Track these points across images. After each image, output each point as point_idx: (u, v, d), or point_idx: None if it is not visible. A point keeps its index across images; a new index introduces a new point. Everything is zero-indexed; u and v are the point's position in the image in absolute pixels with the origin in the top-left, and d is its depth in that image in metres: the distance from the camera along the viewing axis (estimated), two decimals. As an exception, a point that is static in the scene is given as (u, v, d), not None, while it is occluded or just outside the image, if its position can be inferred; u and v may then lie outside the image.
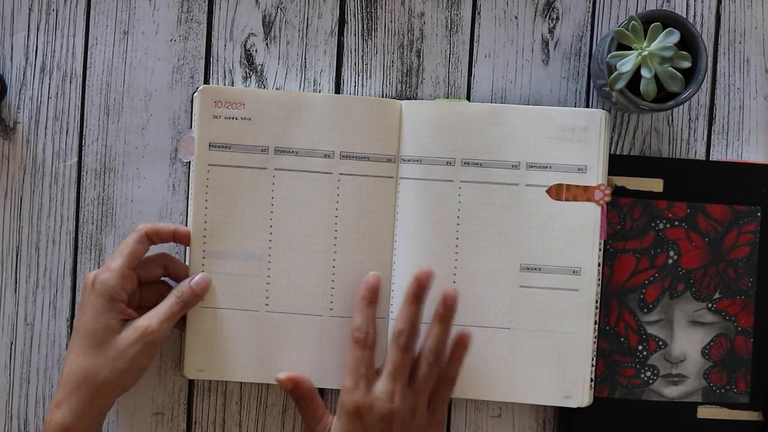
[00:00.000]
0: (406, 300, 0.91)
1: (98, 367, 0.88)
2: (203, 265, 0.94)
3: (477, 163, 0.95)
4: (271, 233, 0.95)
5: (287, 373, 0.93)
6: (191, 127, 0.97)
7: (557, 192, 0.94)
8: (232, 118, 0.95)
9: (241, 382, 0.97)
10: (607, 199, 0.93)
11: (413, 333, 0.91)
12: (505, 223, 0.94)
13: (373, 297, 0.92)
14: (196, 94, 0.95)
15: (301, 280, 0.95)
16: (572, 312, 0.94)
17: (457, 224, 0.94)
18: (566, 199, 0.94)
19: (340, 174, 0.95)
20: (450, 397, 0.93)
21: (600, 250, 0.94)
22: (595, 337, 0.94)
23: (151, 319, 0.89)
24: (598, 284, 0.94)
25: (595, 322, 0.94)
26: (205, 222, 0.94)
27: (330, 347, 0.95)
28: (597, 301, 0.94)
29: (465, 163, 0.94)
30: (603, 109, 0.96)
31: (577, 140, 0.94)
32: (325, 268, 0.95)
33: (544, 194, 0.94)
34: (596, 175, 0.94)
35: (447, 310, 0.91)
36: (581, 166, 0.94)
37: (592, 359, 0.94)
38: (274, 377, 0.94)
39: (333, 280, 0.95)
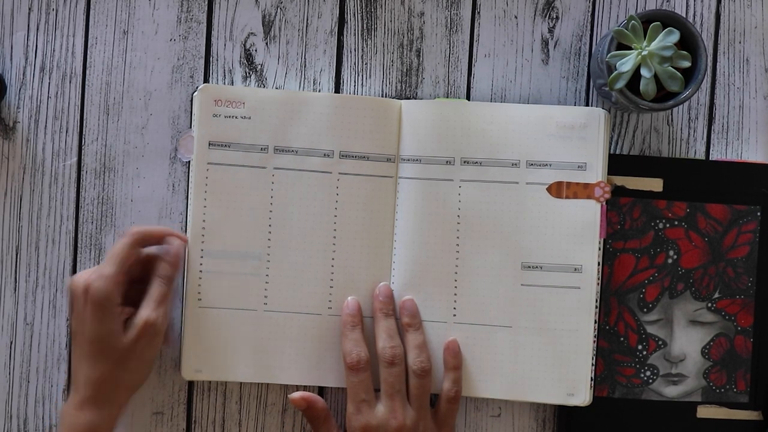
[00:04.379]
0: (376, 318, 0.93)
1: (112, 371, 0.89)
2: (201, 264, 0.94)
3: (477, 162, 0.95)
4: (270, 232, 0.95)
5: (301, 393, 0.93)
6: (191, 127, 0.97)
7: (557, 189, 0.94)
8: (232, 116, 0.95)
9: (241, 383, 0.97)
10: (607, 196, 0.93)
11: (394, 346, 0.92)
12: (505, 221, 0.94)
13: (356, 321, 0.93)
14: (195, 93, 0.95)
15: (300, 279, 0.95)
16: (574, 310, 0.94)
17: (458, 223, 0.95)
18: (566, 197, 0.94)
19: (340, 173, 0.95)
20: (456, 410, 0.94)
21: (599, 249, 0.94)
22: (595, 336, 0.94)
23: (145, 309, 0.89)
24: (598, 283, 0.94)
25: (595, 321, 0.94)
26: (204, 221, 0.94)
27: (329, 346, 0.95)
28: (597, 300, 0.94)
29: (465, 162, 0.94)
30: (603, 108, 0.96)
31: (576, 138, 0.94)
32: (323, 267, 0.95)
33: (545, 192, 0.94)
34: (596, 172, 0.94)
35: (408, 317, 0.94)
36: (581, 163, 0.94)
37: (593, 358, 0.94)
38: (273, 377, 0.95)
39: (332, 279, 0.95)
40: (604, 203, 0.94)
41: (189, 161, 0.96)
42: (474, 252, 0.95)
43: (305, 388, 0.97)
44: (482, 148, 0.94)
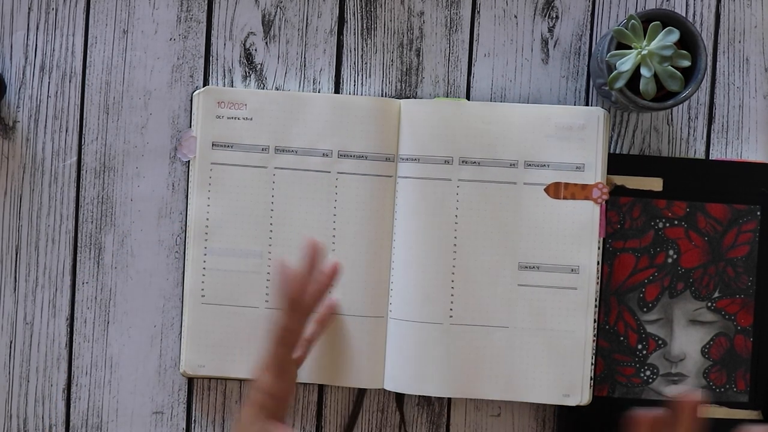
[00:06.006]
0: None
1: None
2: (205, 261, 0.95)
3: (475, 162, 0.95)
4: (271, 231, 0.95)
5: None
6: (190, 127, 0.97)
7: (555, 190, 0.94)
8: (235, 118, 0.95)
9: (241, 382, 0.97)
10: (605, 197, 0.93)
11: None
12: (503, 221, 0.94)
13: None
14: (197, 94, 0.95)
15: None
16: (571, 310, 0.94)
17: (456, 223, 0.95)
18: (564, 198, 0.94)
19: (338, 173, 0.95)
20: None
21: (599, 248, 0.94)
22: (595, 336, 0.94)
23: None
24: (597, 282, 0.94)
25: (595, 321, 0.94)
26: (207, 219, 0.95)
27: (328, 343, 0.95)
28: (596, 300, 0.94)
29: (463, 161, 0.94)
30: (603, 108, 0.96)
31: (575, 138, 0.94)
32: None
33: (542, 193, 0.94)
34: (594, 173, 0.94)
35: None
36: (579, 164, 0.94)
37: (592, 357, 0.94)
38: None
39: None
40: (603, 203, 0.94)
41: (189, 161, 0.97)
42: (471, 252, 0.95)
43: (305, 386, 0.97)
44: (481, 148, 0.94)
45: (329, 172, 0.95)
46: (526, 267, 0.94)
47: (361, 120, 0.95)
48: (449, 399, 0.97)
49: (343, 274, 0.95)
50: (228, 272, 0.95)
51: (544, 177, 0.94)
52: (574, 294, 0.94)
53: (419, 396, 0.97)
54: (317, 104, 0.95)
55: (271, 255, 0.95)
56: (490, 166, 0.95)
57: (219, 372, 0.95)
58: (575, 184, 0.94)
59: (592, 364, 0.94)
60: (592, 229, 0.94)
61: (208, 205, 0.96)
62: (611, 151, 0.97)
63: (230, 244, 0.95)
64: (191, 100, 0.97)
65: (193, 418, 0.98)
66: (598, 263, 0.94)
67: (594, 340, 0.94)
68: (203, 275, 0.95)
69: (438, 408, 0.98)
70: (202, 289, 0.95)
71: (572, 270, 0.94)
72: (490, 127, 0.94)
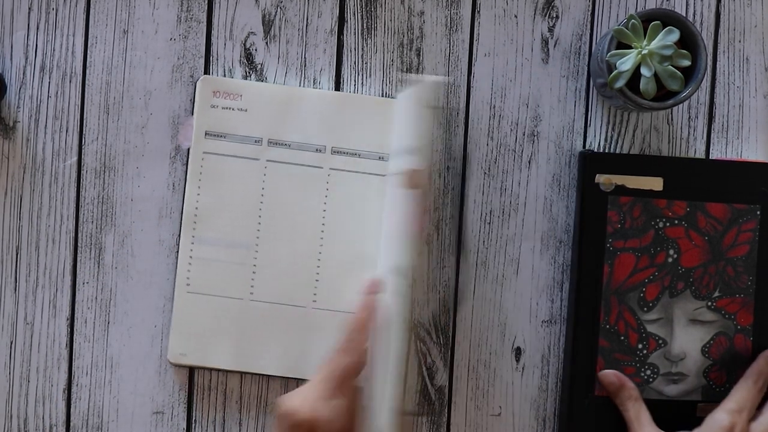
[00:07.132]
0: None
1: None
2: (192, 250, 0.95)
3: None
4: (259, 223, 0.96)
5: (614, 371, 0.95)
6: (192, 114, 0.97)
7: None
8: (229, 108, 0.96)
9: (241, 382, 0.97)
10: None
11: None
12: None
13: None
14: (199, 81, 0.96)
15: (286, 272, 0.95)
16: None
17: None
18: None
19: (331, 169, 0.96)
20: None
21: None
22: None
23: None
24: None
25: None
26: (197, 208, 0.95)
27: (311, 338, 0.95)
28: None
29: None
30: (603, 107, 0.96)
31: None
32: (310, 261, 0.95)
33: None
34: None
35: None
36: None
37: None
38: (254, 367, 0.95)
39: (317, 273, 0.95)
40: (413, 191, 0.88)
41: (189, 150, 0.97)
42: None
43: (287, 379, 0.97)
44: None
45: (321, 167, 0.96)
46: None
47: (358, 117, 0.95)
48: (450, 399, 0.97)
49: (328, 270, 0.95)
50: (214, 262, 0.96)
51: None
52: None
53: (420, 395, 0.97)
54: (313, 99, 0.96)
55: (258, 248, 0.95)
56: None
57: (200, 362, 0.95)
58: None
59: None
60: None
61: (198, 194, 0.96)
62: (611, 151, 0.97)
63: (218, 234, 0.96)
64: (193, 97, 0.97)
65: (193, 418, 0.98)
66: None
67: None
68: (189, 263, 0.96)
69: (438, 407, 0.98)
70: (188, 278, 0.96)
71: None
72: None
